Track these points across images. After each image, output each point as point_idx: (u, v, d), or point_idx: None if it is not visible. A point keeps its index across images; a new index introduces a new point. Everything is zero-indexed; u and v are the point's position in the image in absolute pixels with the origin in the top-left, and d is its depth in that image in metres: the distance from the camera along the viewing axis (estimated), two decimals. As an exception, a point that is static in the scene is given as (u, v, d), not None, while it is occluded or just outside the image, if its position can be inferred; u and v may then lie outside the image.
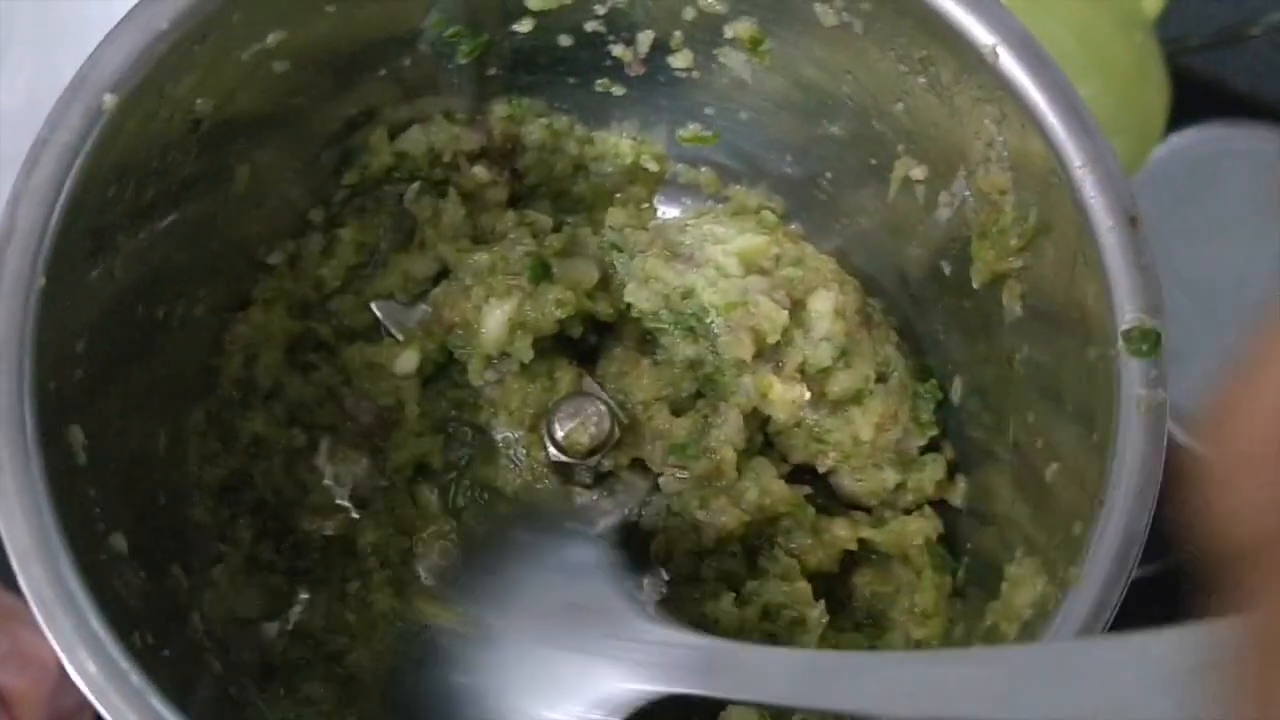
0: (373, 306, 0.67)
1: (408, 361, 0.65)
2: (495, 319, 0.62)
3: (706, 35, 0.63)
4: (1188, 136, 0.86)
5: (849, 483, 0.64)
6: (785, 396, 0.61)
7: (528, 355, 0.62)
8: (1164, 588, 0.92)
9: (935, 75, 0.57)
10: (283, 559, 0.63)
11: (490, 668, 0.56)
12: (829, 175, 0.66)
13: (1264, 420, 0.30)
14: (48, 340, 0.50)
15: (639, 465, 0.64)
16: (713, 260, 0.62)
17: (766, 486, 0.62)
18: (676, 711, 0.52)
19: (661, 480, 0.63)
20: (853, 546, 0.62)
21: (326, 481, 0.65)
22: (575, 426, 0.62)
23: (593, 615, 0.55)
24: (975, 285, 0.60)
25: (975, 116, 0.56)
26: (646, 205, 0.70)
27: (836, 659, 0.54)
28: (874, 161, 0.63)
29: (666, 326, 0.62)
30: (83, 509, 0.51)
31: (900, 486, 0.63)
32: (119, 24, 0.52)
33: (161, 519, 0.59)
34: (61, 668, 0.47)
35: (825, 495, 0.65)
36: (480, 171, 0.67)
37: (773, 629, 0.59)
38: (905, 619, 0.61)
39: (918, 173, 0.61)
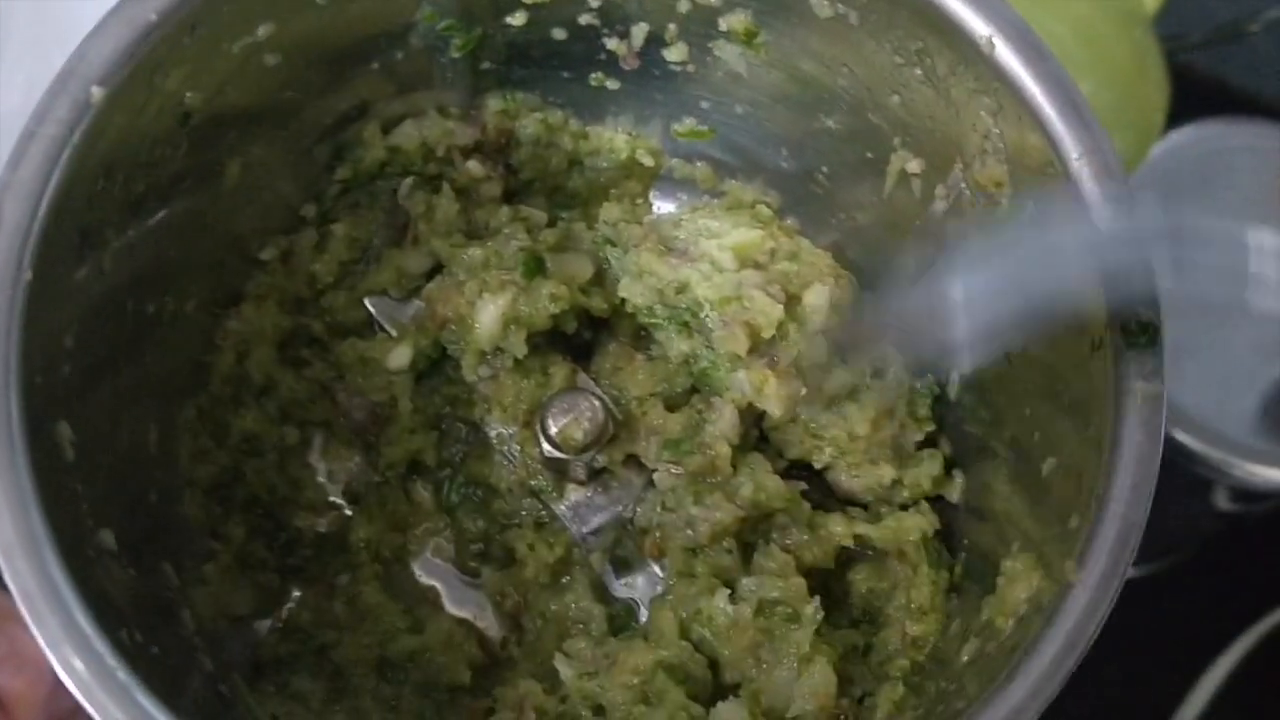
0: (366, 302, 0.67)
1: (401, 357, 0.64)
2: (489, 314, 0.62)
3: (701, 28, 0.63)
4: (1187, 133, 0.86)
5: (845, 479, 0.64)
6: (780, 392, 0.61)
7: (521, 350, 0.62)
8: (1164, 588, 0.92)
9: (931, 67, 0.56)
10: (275, 556, 0.63)
11: None
12: (825, 169, 0.66)
13: None
14: (34, 335, 0.49)
15: (633, 461, 0.64)
16: (707, 255, 0.61)
17: (762, 482, 0.61)
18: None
19: (656, 476, 0.63)
20: (849, 543, 0.62)
21: (319, 478, 0.65)
22: (569, 422, 0.62)
23: None
24: (971, 281, 0.59)
25: (971, 109, 0.56)
26: (641, 200, 0.70)
27: None
28: (870, 155, 0.63)
29: (661, 321, 0.62)
30: (70, 505, 0.50)
31: (897, 482, 0.63)
32: (107, 16, 0.52)
33: (152, 516, 0.58)
34: (60, 669, 0.47)
35: (821, 491, 0.65)
36: (474, 166, 0.67)
37: (767, 625, 0.59)
38: (901, 615, 0.61)
39: (914, 166, 0.61)
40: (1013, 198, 0.56)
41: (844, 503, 0.65)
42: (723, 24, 0.62)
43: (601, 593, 0.64)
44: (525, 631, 0.64)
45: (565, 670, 0.59)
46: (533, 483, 0.64)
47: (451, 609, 0.65)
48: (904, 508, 0.63)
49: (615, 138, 0.69)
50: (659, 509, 0.63)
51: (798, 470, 0.64)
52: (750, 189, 0.69)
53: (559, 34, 0.64)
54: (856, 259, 0.66)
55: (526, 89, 0.67)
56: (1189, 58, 0.90)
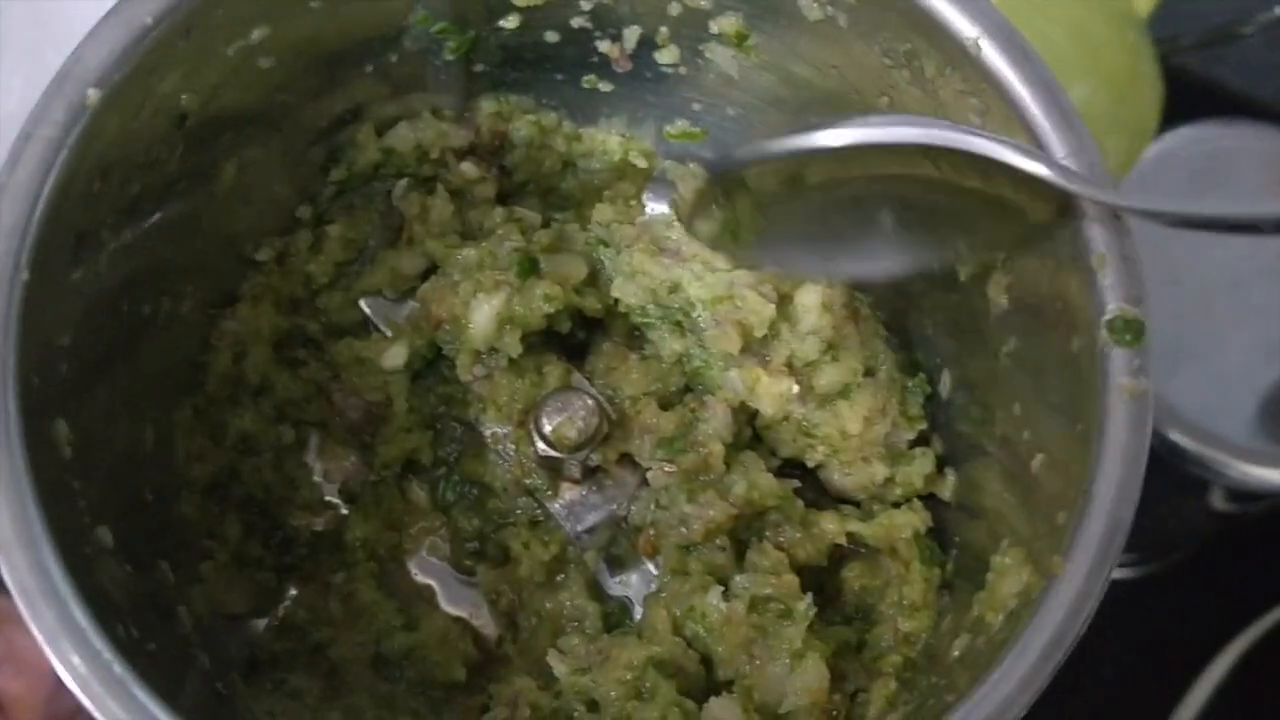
0: (361, 303, 0.67)
1: (396, 357, 0.65)
2: (483, 314, 0.62)
3: (692, 31, 0.63)
4: (1181, 135, 0.86)
5: (838, 477, 0.64)
6: (772, 390, 0.62)
7: (516, 350, 0.62)
8: (1161, 588, 0.92)
9: (919, 69, 0.57)
10: (271, 555, 0.63)
11: None
12: (816, 170, 0.66)
13: None
14: (32, 335, 0.50)
15: (627, 460, 0.64)
16: (699, 254, 0.62)
17: (755, 480, 0.62)
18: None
19: (650, 474, 0.63)
20: (841, 540, 0.62)
21: (315, 478, 0.65)
22: (563, 421, 0.62)
23: None
24: (962, 278, 0.60)
25: (959, 110, 0.56)
26: (634, 201, 0.71)
27: None
28: (861, 156, 0.63)
29: (654, 321, 0.63)
30: (68, 502, 0.51)
31: (889, 480, 0.63)
32: (103, 19, 0.52)
33: (149, 514, 0.59)
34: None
35: (814, 489, 0.65)
36: (468, 168, 0.67)
37: (760, 621, 0.59)
38: (894, 612, 0.61)
39: (903, 167, 0.61)
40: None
41: (836, 500, 0.65)
42: (714, 27, 0.62)
43: (596, 590, 0.64)
44: (520, 629, 0.64)
45: (559, 666, 0.59)
46: (527, 481, 0.65)
47: (447, 607, 0.65)
48: (896, 505, 0.64)
49: (608, 139, 0.69)
50: (653, 507, 0.63)
51: (790, 468, 0.65)
52: (742, 190, 0.70)
53: (552, 37, 0.65)
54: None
55: (520, 91, 0.67)
56: (1183, 60, 0.90)
